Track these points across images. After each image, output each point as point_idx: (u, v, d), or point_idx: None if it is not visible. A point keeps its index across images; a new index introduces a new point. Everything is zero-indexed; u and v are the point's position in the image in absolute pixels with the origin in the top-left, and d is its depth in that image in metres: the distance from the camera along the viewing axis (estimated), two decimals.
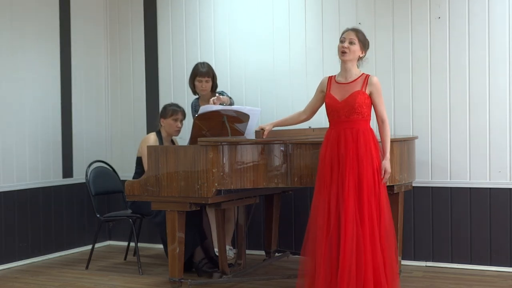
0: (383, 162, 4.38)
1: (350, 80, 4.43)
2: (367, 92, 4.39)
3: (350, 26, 4.57)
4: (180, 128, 5.75)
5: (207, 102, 5.68)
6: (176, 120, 5.68)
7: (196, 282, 5.14)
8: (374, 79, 4.43)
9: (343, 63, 4.45)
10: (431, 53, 5.61)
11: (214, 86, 5.85)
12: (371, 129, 4.43)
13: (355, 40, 4.41)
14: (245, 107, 5.38)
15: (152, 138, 5.65)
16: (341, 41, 4.44)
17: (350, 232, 4.23)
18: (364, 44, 4.46)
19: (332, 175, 4.36)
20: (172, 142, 5.84)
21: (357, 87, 4.39)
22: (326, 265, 4.29)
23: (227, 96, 5.67)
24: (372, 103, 4.44)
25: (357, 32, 4.45)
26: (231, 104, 5.58)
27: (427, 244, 5.66)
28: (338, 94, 4.42)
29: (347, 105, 4.36)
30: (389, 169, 4.39)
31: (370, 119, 4.45)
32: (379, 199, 4.32)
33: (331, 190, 4.33)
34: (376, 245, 4.26)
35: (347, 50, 4.39)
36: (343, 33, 4.48)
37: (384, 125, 4.43)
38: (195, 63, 5.91)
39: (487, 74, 5.43)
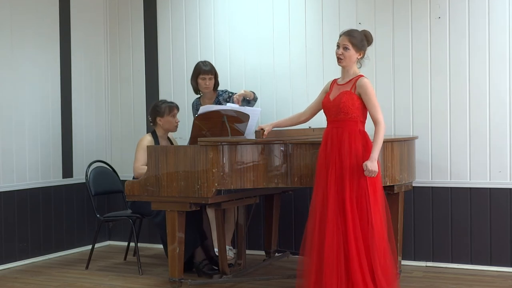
0: (366, 162, 4.21)
1: (347, 80, 4.45)
2: (356, 93, 4.36)
3: (345, 29, 4.51)
4: (178, 122, 5.75)
5: (210, 100, 5.72)
6: (174, 116, 5.69)
7: (196, 282, 5.14)
8: (362, 81, 4.35)
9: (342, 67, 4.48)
10: (431, 53, 5.61)
11: (216, 84, 5.86)
12: (361, 131, 4.36)
13: (348, 45, 4.38)
14: (245, 107, 5.39)
15: (147, 139, 5.64)
16: (337, 47, 4.44)
17: (330, 231, 4.24)
18: (360, 46, 4.41)
19: (321, 174, 4.40)
20: (169, 140, 5.82)
21: (348, 87, 4.40)
22: (317, 264, 4.31)
23: (251, 92, 5.70)
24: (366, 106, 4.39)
25: (350, 36, 4.40)
26: (255, 98, 5.65)
27: (427, 244, 5.65)
28: (333, 94, 4.45)
29: (335, 105, 4.38)
30: (370, 167, 4.19)
31: (361, 121, 4.37)
32: (368, 201, 4.27)
33: (318, 190, 4.38)
34: (360, 245, 4.24)
35: (341, 57, 4.40)
36: (339, 37, 4.47)
37: (377, 127, 4.30)
38: (195, 62, 5.91)
39: (487, 74, 5.43)
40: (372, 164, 4.22)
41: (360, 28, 4.63)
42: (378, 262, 4.24)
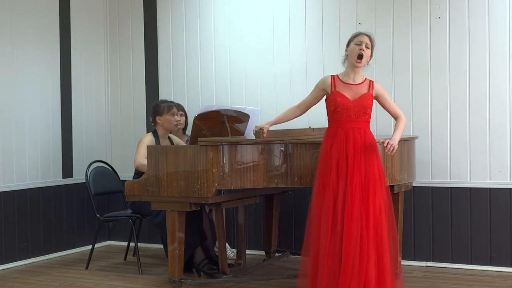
0: (388, 140, 4.39)
1: (359, 82, 4.49)
2: (374, 95, 4.49)
3: (363, 30, 4.60)
4: (179, 121, 5.77)
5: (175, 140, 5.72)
6: (173, 114, 5.69)
7: (196, 282, 5.14)
8: (378, 84, 4.58)
9: (354, 66, 4.46)
10: (431, 53, 5.61)
11: (186, 124, 5.97)
12: (370, 131, 4.50)
13: (369, 45, 4.47)
14: (245, 107, 5.38)
15: (148, 138, 5.64)
16: (358, 44, 4.44)
17: (355, 232, 4.23)
18: (373, 51, 4.53)
19: (338, 174, 4.35)
20: (170, 140, 5.82)
21: (364, 89, 4.47)
22: (329, 264, 4.28)
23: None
24: (383, 106, 4.60)
25: (371, 38, 4.50)
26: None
27: (427, 244, 5.66)
28: (348, 94, 4.44)
29: (358, 105, 4.40)
30: (392, 142, 4.37)
31: (370, 122, 4.51)
32: (384, 200, 4.34)
33: (338, 190, 4.32)
34: (380, 245, 4.26)
35: (364, 54, 4.43)
36: (356, 36, 4.48)
37: (402, 118, 4.59)
38: (195, 63, 5.89)
39: (487, 74, 5.44)
40: (394, 143, 4.39)
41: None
42: (385, 262, 4.28)
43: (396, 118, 4.60)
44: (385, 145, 4.34)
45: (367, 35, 4.50)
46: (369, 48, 4.46)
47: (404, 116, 4.61)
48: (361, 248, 4.23)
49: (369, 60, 4.52)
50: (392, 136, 4.46)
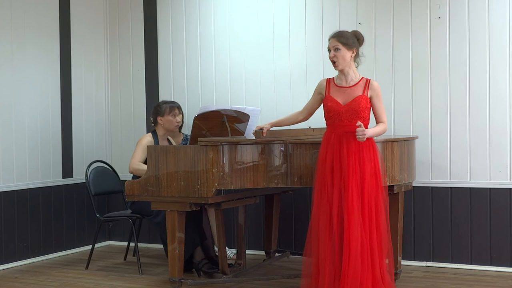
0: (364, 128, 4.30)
1: (352, 84, 4.44)
2: (369, 95, 4.42)
3: (331, 33, 4.54)
4: (180, 122, 5.77)
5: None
6: (174, 115, 5.71)
7: (196, 282, 5.14)
8: (375, 83, 4.46)
9: (338, 71, 4.46)
10: (431, 53, 5.61)
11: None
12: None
13: (338, 45, 4.40)
14: (245, 107, 5.39)
15: (147, 139, 5.65)
16: (328, 51, 4.45)
17: (355, 234, 4.23)
18: (351, 44, 4.42)
19: (333, 178, 4.35)
20: (169, 141, 5.83)
21: (359, 91, 4.41)
22: (330, 266, 4.28)
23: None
24: (371, 107, 4.48)
25: (338, 36, 4.42)
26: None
27: (427, 244, 5.66)
28: (340, 98, 4.42)
29: (351, 109, 4.37)
30: (363, 131, 4.25)
31: (369, 123, 4.48)
32: (376, 202, 4.33)
33: (334, 193, 4.32)
34: (374, 247, 4.27)
35: (335, 59, 4.40)
36: (328, 42, 4.48)
37: (383, 124, 4.46)
38: (196, 63, 5.89)
39: (487, 74, 5.43)
40: (366, 133, 4.26)
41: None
42: (381, 262, 4.29)
43: (377, 123, 4.50)
44: (357, 131, 4.25)
45: (334, 36, 4.44)
46: (339, 48, 4.38)
47: (387, 126, 4.50)
48: (360, 252, 4.24)
49: (354, 54, 4.43)
50: (368, 130, 4.34)
